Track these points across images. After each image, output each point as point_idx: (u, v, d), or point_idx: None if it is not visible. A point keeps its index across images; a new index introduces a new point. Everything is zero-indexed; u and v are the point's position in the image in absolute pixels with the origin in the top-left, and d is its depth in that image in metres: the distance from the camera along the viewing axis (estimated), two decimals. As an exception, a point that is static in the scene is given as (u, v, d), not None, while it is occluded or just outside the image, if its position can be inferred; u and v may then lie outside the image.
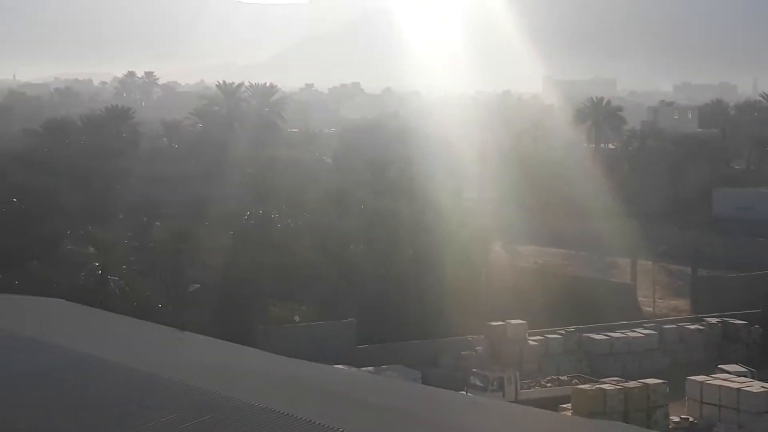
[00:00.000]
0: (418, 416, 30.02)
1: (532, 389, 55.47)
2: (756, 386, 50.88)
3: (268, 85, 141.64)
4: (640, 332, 64.81)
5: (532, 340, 62.27)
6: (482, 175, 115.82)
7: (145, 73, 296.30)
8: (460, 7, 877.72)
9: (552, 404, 49.72)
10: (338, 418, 25.99)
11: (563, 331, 63.51)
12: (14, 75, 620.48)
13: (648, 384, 51.28)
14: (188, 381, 28.15)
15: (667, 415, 51.04)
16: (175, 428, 24.90)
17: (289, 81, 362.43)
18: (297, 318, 64.41)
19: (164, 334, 42.14)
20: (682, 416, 51.89)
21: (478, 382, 54.07)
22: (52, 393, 29.09)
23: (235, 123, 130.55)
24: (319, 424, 24.37)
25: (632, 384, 51.08)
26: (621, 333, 64.38)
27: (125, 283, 60.16)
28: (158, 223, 72.91)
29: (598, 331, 64.81)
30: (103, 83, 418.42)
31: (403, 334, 62.62)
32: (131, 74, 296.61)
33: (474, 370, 55.72)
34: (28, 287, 56.82)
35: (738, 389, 50.28)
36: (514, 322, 62.16)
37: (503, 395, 52.91)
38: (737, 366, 57.35)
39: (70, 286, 57.72)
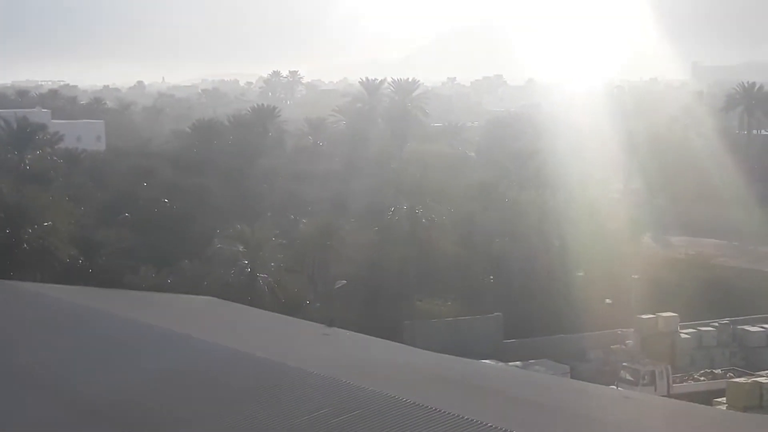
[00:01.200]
0: (568, 411, 29.55)
1: (685, 383, 54.08)
2: None
3: (410, 80, 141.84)
4: (797, 323, 62.59)
5: (684, 333, 60.67)
6: (630, 165, 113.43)
7: (290, 72, 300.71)
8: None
9: (706, 398, 48.29)
10: (486, 413, 25.75)
11: (716, 323, 61.73)
12: (163, 78, 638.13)
13: (807, 376, 49.39)
14: (338, 376, 28.30)
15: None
16: (326, 422, 25.06)
17: (431, 75, 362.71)
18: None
19: (312, 329, 42.58)
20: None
21: (628, 377, 52.98)
22: (204, 388, 29.66)
23: (379, 119, 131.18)
24: (467, 419, 24.16)
25: (791, 377, 49.28)
26: (777, 324, 62.30)
27: (273, 280, 60.96)
28: (304, 220, 73.73)
29: (753, 323, 62.76)
30: (249, 83, 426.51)
31: (551, 328, 61.83)
32: (276, 74, 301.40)
33: (624, 364, 54.62)
34: (180, 285, 58.19)
35: None
36: (665, 314, 60.61)
37: (655, 389, 51.75)
38: None
39: (220, 283, 58.85)
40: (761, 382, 48.12)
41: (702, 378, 55.16)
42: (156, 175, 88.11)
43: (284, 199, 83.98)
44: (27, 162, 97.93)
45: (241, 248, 62.30)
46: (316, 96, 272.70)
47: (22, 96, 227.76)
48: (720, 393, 49.75)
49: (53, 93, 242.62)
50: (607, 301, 65.32)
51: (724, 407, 46.75)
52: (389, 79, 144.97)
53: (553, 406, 30.11)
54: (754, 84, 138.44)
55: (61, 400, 29.69)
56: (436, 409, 25.03)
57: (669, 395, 50.34)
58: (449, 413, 24.71)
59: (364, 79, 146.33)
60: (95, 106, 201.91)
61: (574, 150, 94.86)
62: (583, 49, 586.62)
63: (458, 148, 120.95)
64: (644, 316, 60.60)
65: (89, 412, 28.42)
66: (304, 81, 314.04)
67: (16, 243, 60.79)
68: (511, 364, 53.27)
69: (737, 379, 50.35)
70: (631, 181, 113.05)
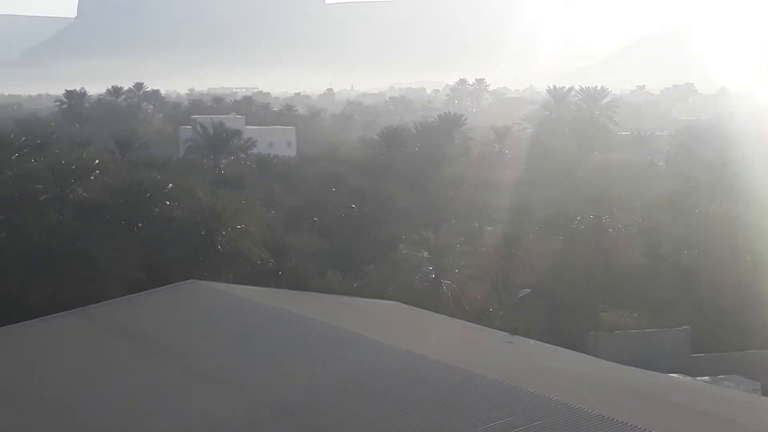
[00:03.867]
0: (758, 430, 28.69)
1: None
2: None
3: (598, 88, 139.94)
4: None
5: None
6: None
7: (476, 80, 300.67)
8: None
9: None
10: (674, 428, 25.29)
11: None
12: (352, 85, 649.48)
13: None
14: (521, 385, 28.29)
15: None
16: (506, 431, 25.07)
17: (619, 84, 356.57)
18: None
19: (495, 337, 42.63)
20: None
21: (823, 396, 50.92)
22: (389, 392, 30.10)
23: (565, 127, 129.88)
24: (653, 434, 23.78)
25: None
26: None
27: (457, 286, 61.30)
28: (489, 228, 73.82)
29: None
30: (436, 91, 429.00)
31: (742, 343, 60.01)
32: (462, 81, 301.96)
33: (821, 382, 52.55)
34: (365, 289, 59.22)
35: None
36: None
37: None
38: None
39: (405, 288, 59.56)
40: None
41: None
42: (344, 181, 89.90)
43: (468, 207, 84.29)
44: (222, 166, 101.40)
45: (425, 254, 62.90)
46: (501, 104, 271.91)
47: (217, 102, 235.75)
48: None
49: (247, 100, 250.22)
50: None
51: None
52: (577, 87, 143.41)
53: (743, 423, 29.29)
54: None
55: (247, 400, 30.59)
56: (622, 422, 24.72)
57: None
58: (636, 427, 24.37)
59: (551, 87, 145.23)
60: (287, 113, 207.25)
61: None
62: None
63: (646, 157, 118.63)
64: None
65: (276, 412, 29.19)
66: (490, 89, 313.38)
67: (210, 245, 63.07)
68: (699, 378, 51.97)
69: None
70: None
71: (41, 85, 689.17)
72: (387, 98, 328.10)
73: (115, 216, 65.23)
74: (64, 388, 34.29)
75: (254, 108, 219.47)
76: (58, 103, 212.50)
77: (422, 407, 28.26)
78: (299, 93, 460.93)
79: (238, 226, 64.56)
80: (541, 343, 42.04)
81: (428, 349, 33.81)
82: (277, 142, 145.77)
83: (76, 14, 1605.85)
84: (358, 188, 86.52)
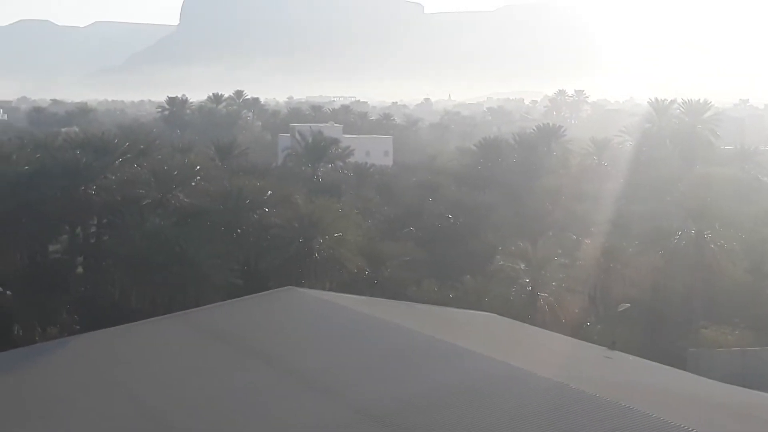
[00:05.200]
0: None
1: None
2: None
3: (701, 101, 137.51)
4: None
5: None
6: None
7: (575, 91, 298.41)
8: None
9: None
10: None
11: None
12: (449, 95, 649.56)
13: None
14: (620, 401, 27.83)
15: None
16: (605, 448, 24.70)
17: (722, 97, 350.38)
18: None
19: (593, 351, 42.07)
20: None
21: None
22: (483, 403, 29.89)
23: (667, 140, 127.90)
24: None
25: None
26: None
27: (554, 299, 60.70)
28: (587, 241, 72.98)
29: None
30: (534, 102, 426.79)
31: None
32: (561, 92, 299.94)
33: None
34: (461, 300, 58.98)
35: None
36: None
37: None
38: None
39: (501, 300, 59.20)
40: None
41: None
42: (441, 191, 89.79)
43: (566, 219, 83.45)
44: (320, 174, 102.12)
45: (522, 266, 62.44)
46: (601, 115, 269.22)
47: (315, 111, 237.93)
48: None
49: (345, 108, 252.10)
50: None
51: None
52: (679, 100, 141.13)
53: None
54: None
55: (341, 406, 30.68)
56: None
57: None
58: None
59: (652, 99, 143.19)
60: (384, 122, 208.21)
61: None
62: None
63: (750, 172, 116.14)
64: None
65: (369, 419, 29.21)
66: (589, 100, 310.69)
67: (308, 252, 63.52)
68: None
69: None
70: None
71: (143, 91, 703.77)
72: (484, 108, 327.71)
73: (214, 222, 66.13)
74: (162, 392, 34.79)
75: (352, 117, 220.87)
76: (160, 110, 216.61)
77: (519, 420, 27.99)
78: (396, 102, 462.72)
79: (336, 234, 64.92)
80: (640, 358, 41.32)
81: (525, 362, 33.49)
82: (374, 151, 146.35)
83: (178, 22, 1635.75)
84: (454, 198, 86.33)
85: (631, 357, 41.33)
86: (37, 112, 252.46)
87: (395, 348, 37.15)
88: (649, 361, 41.89)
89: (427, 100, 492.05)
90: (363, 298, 50.87)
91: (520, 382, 30.91)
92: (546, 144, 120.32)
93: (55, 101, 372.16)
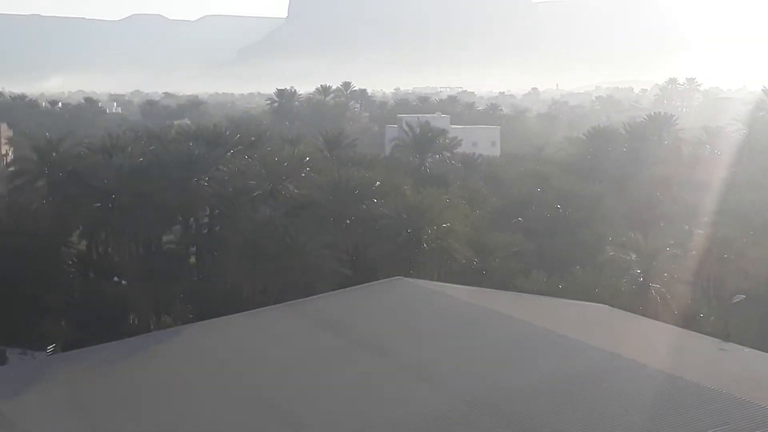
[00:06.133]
0: None
1: None
2: None
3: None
4: None
5: None
6: None
7: (687, 79, 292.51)
8: None
9: None
10: None
11: None
12: (557, 85, 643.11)
13: None
14: (736, 393, 27.38)
15: None
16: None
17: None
18: None
19: (706, 344, 41.37)
20: None
21: None
22: (593, 394, 29.69)
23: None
24: None
25: None
26: None
27: (666, 290, 59.72)
28: (700, 231, 71.61)
29: None
30: (643, 90, 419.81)
31: None
32: (672, 81, 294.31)
33: None
34: (570, 291, 58.43)
35: None
36: None
37: None
38: None
39: (611, 291, 58.46)
40: None
41: None
42: (549, 181, 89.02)
43: (678, 209, 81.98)
44: (427, 165, 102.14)
45: (633, 257, 61.61)
46: (713, 104, 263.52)
47: (423, 102, 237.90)
48: None
49: (452, 99, 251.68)
50: None
51: None
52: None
53: None
54: None
55: (449, 395, 30.76)
56: None
57: None
58: None
59: (767, 88, 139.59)
60: (491, 113, 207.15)
61: None
62: None
63: None
64: None
65: (477, 408, 29.25)
66: (701, 88, 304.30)
67: (416, 242, 63.69)
68: None
69: None
70: None
71: (253, 83, 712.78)
72: (593, 98, 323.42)
73: (323, 212, 66.72)
74: (274, 380, 35.36)
75: (459, 107, 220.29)
76: (269, 102, 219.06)
77: (630, 411, 27.75)
78: (504, 92, 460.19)
79: (443, 225, 64.95)
80: (755, 350, 40.45)
81: (636, 353, 33.14)
82: (481, 141, 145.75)
83: (286, 15, 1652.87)
84: (563, 188, 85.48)
85: (747, 349, 40.48)
86: (150, 105, 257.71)
87: (505, 338, 37.13)
88: (765, 354, 40.98)
89: (534, 89, 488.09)
90: (471, 288, 50.87)
91: (631, 374, 30.63)
92: (657, 133, 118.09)
93: (167, 94, 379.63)
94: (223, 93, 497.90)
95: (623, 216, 79.71)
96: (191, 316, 66.84)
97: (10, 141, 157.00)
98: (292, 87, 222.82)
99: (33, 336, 63.89)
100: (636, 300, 57.66)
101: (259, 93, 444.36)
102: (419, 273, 60.09)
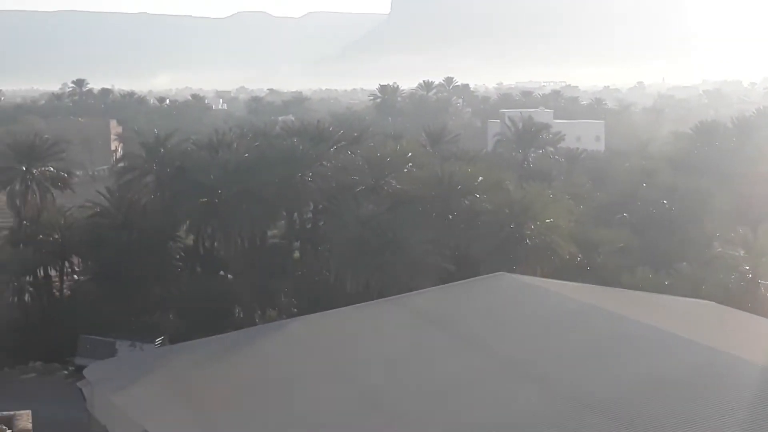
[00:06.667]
0: None
1: None
2: None
3: None
4: None
5: None
6: None
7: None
8: None
9: None
10: None
11: None
12: (663, 78, 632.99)
13: None
14: None
15: None
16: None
17: None
18: None
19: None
20: None
21: None
22: (702, 393, 29.21)
23: None
24: None
25: None
26: None
27: (776, 287, 58.38)
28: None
29: None
30: (752, 84, 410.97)
31: None
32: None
33: None
34: (677, 287, 57.52)
35: None
36: None
37: None
38: None
39: (719, 288, 57.38)
40: None
41: None
42: (655, 176, 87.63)
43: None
44: (530, 160, 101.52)
45: (741, 253, 60.40)
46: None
47: (525, 96, 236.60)
48: None
49: (555, 93, 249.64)
50: None
51: None
52: None
53: None
54: None
55: (553, 392, 30.53)
56: None
57: None
58: None
59: None
60: (595, 107, 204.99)
61: None
62: None
63: None
64: None
65: (582, 406, 28.98)
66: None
67: (519, 238, 63.35)
68: None
69: None
70: None
71: (356, 80, 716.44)
72: (700, 91, 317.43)
73: (426, 208, 66.75)
74: (378, 375, 35.55)
75: (562, 102, 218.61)
76: (372, 97, 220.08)
77: (740, 411, 27.26)
78: (608, 86, 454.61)
79: (547, 220, 64.45)
80: None
81: (747, 352, 32.51)
82: (585, 135, 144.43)
83: (389, 10, 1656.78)
84: (669, 184, 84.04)
85: None
86: (255, 102, 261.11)
87: (610, 336, 36.71)
88: None
89: (639, 83, 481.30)
90: (576, 284, 50.42)
91: (742, 373, 30.07)
92: (766, 127, 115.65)
93: (272, 91, 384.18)
94: (326, 89, 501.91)
95: (731, 212, 78.14)
96: (295, 309, 67.61)
97: (120, 137, 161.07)
98: (394, 83, 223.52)
99: (142, 328, 65.36)
100: (745, 297, 56.49)
101: (362, 89, 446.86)
102: (522, 269, 59.69)
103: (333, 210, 67.86)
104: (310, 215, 77.37)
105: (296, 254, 77.26)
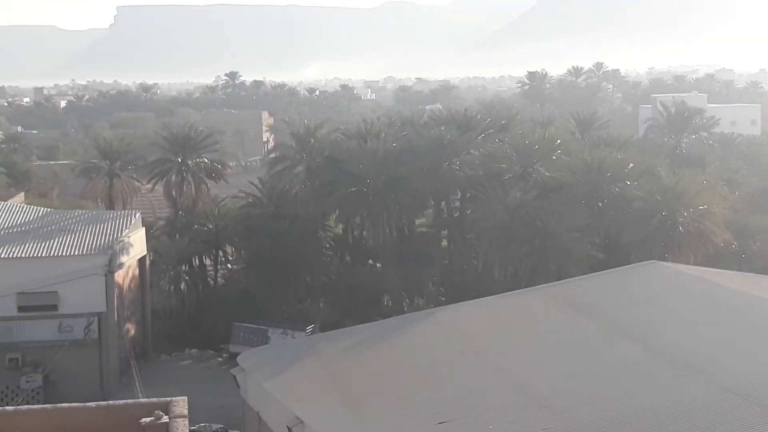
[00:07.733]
0: None
1: None
2: None
3: None
4: None
5: None
6: None
7: None
8: None
9: None
10: None
11: None
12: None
13: None
14: None
15: None
16: None
17: None
18: None
19: None
20: None
21: None
22: None
23: None
24: None
25: None
26: None
27: None
28: None
29: None
30: None
31: None
32: None
33: None
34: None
35: None
36: None
37: None
38: None
39: None
40: None
41: None
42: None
43: None
44: (683, 146, 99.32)
45: None
46: None
47: (678, 81, 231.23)
48: None
49: (709, 77, 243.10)
50: None
51: None
52: None
53: None
54: None
55: (712, 383, 29.83)
56: None
57: None
58: None
59: None
60: (752, 90, 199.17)
61: None
62: None
63: None
64: None
65: (743, 398, 28.28)
66: None
67: (671, 225, 62.04)
68: None
69: None
70: None
71: (504, 67, 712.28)
72: None
73: (575, 195, 65.96)
74: (528, 364, 35.38)
75: (717, 86, 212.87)
76: (520, 85, 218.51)
77: None
78: (765, 69, 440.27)
79: (700, 207, 62.93)
80: None
81: None
82: (740, 120, 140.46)
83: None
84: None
85: None
86: (403, 91, 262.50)
87: (767, 326, 35.75)
88: None
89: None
90: (731, 272, 49.16)
91: None
92: None
93: (419, 80, 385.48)
94: (474, 77, 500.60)
95: None
96: (443, 298, 67.78)
97: (271, 128, 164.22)
98: (543, 69, 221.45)
99: (293, 316, 66.56)
100: None
101: (510, 76, 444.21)
102: (674, 257, 58.47)
103: (480, 198, 67.68)
104: (457, 204, 77.33)
105: (444, 243, 77.41)
